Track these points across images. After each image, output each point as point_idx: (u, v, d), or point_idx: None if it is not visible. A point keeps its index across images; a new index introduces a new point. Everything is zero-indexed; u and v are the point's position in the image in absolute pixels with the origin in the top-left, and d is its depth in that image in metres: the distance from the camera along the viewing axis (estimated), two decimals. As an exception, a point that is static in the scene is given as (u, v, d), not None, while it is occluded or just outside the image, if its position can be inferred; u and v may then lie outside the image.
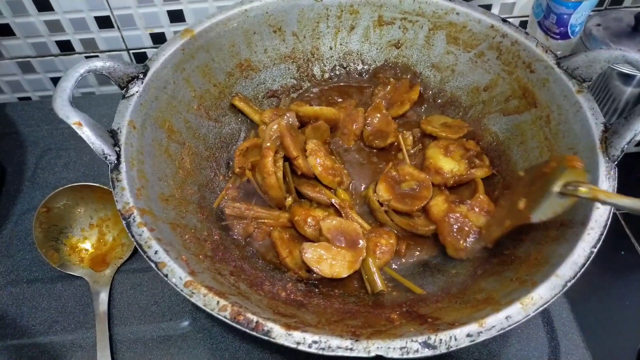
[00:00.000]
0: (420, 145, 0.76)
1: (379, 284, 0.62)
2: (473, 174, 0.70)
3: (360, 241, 0.64)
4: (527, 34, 0.69)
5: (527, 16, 0.96)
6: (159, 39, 0.95)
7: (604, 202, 0.50)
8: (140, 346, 0.65)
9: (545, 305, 0.46)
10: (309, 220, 0.66)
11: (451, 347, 0.44)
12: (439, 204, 0.67)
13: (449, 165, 0.71)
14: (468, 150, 0.72)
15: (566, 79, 0.63)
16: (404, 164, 0.72)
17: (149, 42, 0.95)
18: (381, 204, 0.68)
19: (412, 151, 0.75)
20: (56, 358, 0.65)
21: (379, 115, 0.77)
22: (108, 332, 0.65)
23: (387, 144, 0.75)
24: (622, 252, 0.79)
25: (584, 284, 0.76)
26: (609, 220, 0.51)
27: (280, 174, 0.66)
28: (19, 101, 1.03)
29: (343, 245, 0.63)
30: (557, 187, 0.53)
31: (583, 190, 0.51)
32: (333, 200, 0.67)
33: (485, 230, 0.64)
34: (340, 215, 0.67)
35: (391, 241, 0.66)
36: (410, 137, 0.76)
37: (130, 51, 0.97)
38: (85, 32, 0.92)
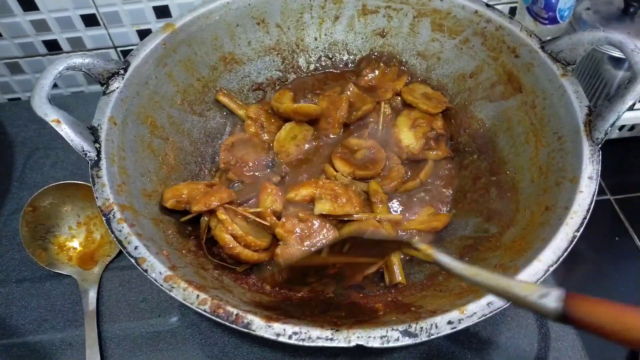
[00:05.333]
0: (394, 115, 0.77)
1: (398, 275, 0.61)
2: (425, 155, 0.73)
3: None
4: (511, 18, 0.68)
5: (516, 2, 0.94)
6: (145, 35, 0.93)
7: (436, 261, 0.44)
8: (130, 343, 0.65)
9: (527, 291, 0.46)
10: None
11: (432, 334, 0.44)
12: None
13: (408, 140, 0.73)
14: (432, 130, 0.73)
15: (550, 63, 0.62)
16: (348, 138, 0.74)
17: (136, 39, 0.95)
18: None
19: (388, 119, 0.77)
20: (46, 356, 0.65)
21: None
22: (97, 329, 0.65)
23: (365, 111, 0.75)
24: (617, 238, 0.79)
25: (578, 270, 0.76)
26: (592, 204, 0.50)
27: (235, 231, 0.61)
28: (8, 102, 1.03)
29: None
30: None
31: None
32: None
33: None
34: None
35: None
36: (388, 108, 0.77)
37: (118, 49, 0.96)
38: (71, 30, 0.92)
